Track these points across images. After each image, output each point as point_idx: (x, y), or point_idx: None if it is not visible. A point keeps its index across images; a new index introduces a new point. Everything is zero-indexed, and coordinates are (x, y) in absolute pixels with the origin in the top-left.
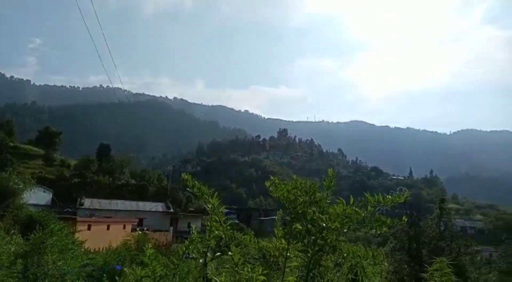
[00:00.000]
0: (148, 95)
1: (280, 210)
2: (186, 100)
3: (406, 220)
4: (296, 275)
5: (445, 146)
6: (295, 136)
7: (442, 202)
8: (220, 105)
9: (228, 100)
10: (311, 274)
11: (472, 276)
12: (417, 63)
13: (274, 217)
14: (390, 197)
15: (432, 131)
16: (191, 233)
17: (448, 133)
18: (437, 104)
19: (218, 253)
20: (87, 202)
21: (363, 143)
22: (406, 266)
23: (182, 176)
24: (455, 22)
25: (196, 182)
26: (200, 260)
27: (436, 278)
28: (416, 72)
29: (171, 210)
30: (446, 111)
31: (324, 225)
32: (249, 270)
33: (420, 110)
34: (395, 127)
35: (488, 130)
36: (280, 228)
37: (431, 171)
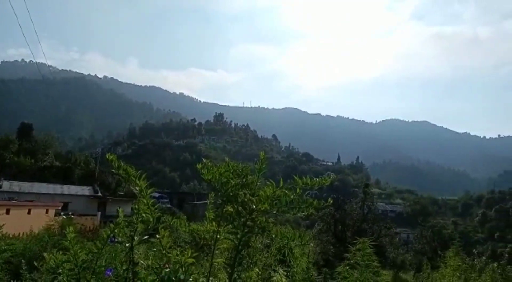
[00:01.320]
0: (76, 72)
1: (212, 193)
2: (117, 80)
3: (331, 201)
4: (226, 257)
5: (371, 134)
6: (231, 121)
7: (366, 186)
8: (154, 86)
9: (164, 81)
10: (240, 255)
11: (391, 256)
12: (351, 55)
13: (207, 201)
14: (317, 179)
15: (360, 120)
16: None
17: (374, 122)
18: (367, 94)
19: (146, 237)
20: (6, 185)
21: (296, 129)
22: (331, 247)
23: (106, 156)
24: (387, 17)
25: (122, 163)
26: (127, 244)
27: (358, 258)
28: (349, 64)
29: (99, 194)
30: (374, 102)
31: (254, 207)
32: (178, 253)
33: (351, 100)
34: (327, 116)
35: (410, 120)
36: (211, 211)
37: (358, 158)
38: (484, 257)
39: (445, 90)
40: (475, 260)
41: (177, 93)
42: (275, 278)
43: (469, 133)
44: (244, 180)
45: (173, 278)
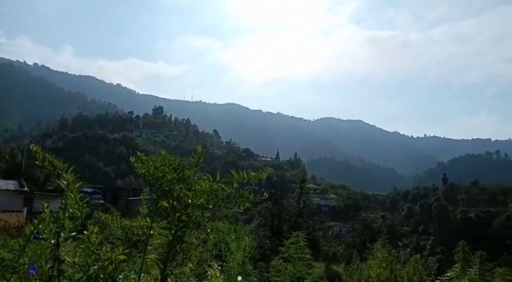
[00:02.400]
0: (2, 58)
1: (147, 187)
2: (48, 68)
3: (267, 195)
4: (159, 253)
5: (309, 132)
6: (171, 115)
7: (302, 182)
8: (89, 76)
9: (100, 71)
10: (174, 251)
11: (324, 249)
12: (292, 52)
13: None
14: (254, 174)
15: (299, 118)
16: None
17: (312, 120)
18: (306, 92)
19: (74, 233)
20: None
21: (237, 125)
22: (268, 241)
23: (31, 147)
24: (327, 18)
25: (48, 155)
26: (52, 241)
27: (291, 251)
28: (290, 61)
29: (26, 189)
30: (312, 100)
31: (189, 201)
32: (108, 249)
33: (291, 97)
34: (268, 112)
35: (345, 119)
36: (145, 206)
37: (295, 154)
38: (408, 249)
39: (378, 92)
40: (400, 252)
41: (114, 84)
42: (209, 273)
43: (398, 133)
44: (180, 174)
45: (102, 276)
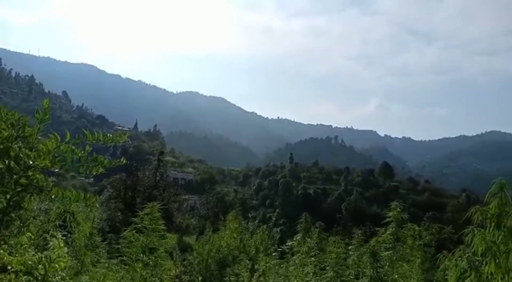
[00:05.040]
0: None
1: None
2: None
3: (124, 161)
4: None
5: (170, 104)
6: (11, 69)
7: (161, 154)
8: None
9: None
10: (9, 218)
11: (178, 221)
12: (160, 21)
13: None
14: (111, 135)
15: (162, 89)
16: None
17: (175, 92)
18: (171, 64)
19: None
20: None
21: (91, 88)
22: (119, 213)
23: None
24: None
25: None
26: None
27: (145, 222)
28: (158, 30)
29: None
30: (177, 72)
31: (31, 162)
32: None
33: (154, 66)
34: (127, 78)
35: (208, 95)
36: None
37: (155, 126)
38: (256, 221)
39: (241, 72)
40: (249, 223)
41: None
42: (51, 244)
43: (256, 113)
44: (20, 131)
45: None
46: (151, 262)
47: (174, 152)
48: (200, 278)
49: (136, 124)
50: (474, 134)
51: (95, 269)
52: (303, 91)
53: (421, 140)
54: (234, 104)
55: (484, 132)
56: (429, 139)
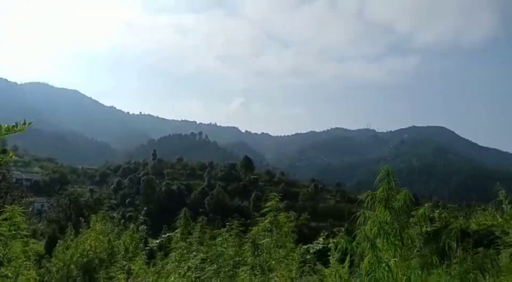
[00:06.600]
0: None
1: None
2: None
3: None
4: None
5: (14, 96)
6: None
7: (3, 152)
8: None
9: None
10: None
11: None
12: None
13: None
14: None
15: (3, 79)
16: None
17: (19, 83)
18: (22, 55)
19: None
20: None
21: None
22: None
23: None
24: None
25: None
26: None
27: (3, 228)
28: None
29: None
30: (20, 60)
31: None
32: None
33: None
34: None
35: (60, 87)
36: None
37: None
38: (122, 221)
39: (100, 64)
40: (112, 223)
41: None
42: None
43: (115, 108)
44: None
45: None
46: (9, 274)
47: (17, 149)
48: None
49: None
50: (322, 130)
51: None
52: (168, 88)
53: (277, 135)
54: (90, 98)
55: (330, 128)
56: (284, 135)
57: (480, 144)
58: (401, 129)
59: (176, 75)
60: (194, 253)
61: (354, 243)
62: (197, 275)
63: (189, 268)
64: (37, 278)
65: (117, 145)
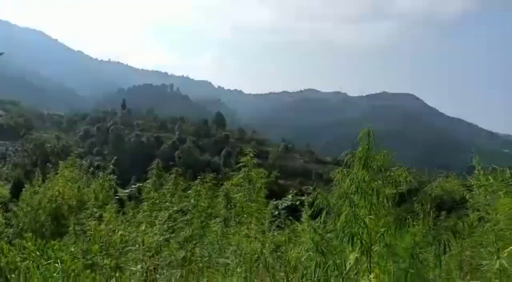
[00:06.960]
0: None
1: None
2: None
3: None
4: None
5: None
6: None
7: None
8: None
9: None
10: None
11: None
12: None
13: None
14: None
15: None
16: None
17: None
18: None
19: None
20: None
21: None
22: None
23: None
24: None
25: None
26: None
27: None
28: None
29: None
30: None
31: None
32: None
33: None
34: None
35: (23, 26)
36: None
37: None
38: (91, 168)
39: (69, 3)
40: (80, 170)
41: None
42: None
43: (83, 52)
44: None
45: None
46: None
47: None
48: (29, 231)
49: None
50: (295, 91)
51: None
52: (137, 35)
53: (250, 93)
54: (56, 40)
55: (303, 89)
56: (257, 93)
57: (448, 113)
58: (372, 94)
59: (150, 23)
60: (167, 203)
61: (334, 199)
62: (169, 225)
63: (162, 217)
64: (3, 221)
65: (84, 92)
